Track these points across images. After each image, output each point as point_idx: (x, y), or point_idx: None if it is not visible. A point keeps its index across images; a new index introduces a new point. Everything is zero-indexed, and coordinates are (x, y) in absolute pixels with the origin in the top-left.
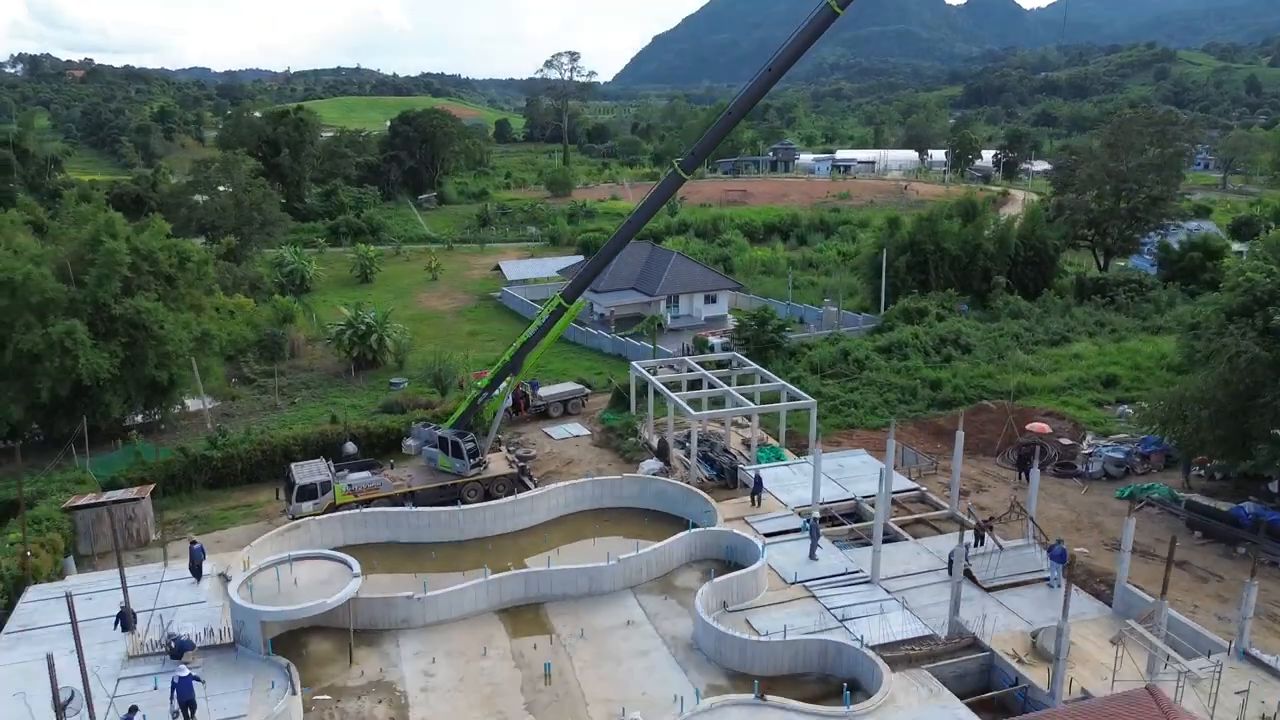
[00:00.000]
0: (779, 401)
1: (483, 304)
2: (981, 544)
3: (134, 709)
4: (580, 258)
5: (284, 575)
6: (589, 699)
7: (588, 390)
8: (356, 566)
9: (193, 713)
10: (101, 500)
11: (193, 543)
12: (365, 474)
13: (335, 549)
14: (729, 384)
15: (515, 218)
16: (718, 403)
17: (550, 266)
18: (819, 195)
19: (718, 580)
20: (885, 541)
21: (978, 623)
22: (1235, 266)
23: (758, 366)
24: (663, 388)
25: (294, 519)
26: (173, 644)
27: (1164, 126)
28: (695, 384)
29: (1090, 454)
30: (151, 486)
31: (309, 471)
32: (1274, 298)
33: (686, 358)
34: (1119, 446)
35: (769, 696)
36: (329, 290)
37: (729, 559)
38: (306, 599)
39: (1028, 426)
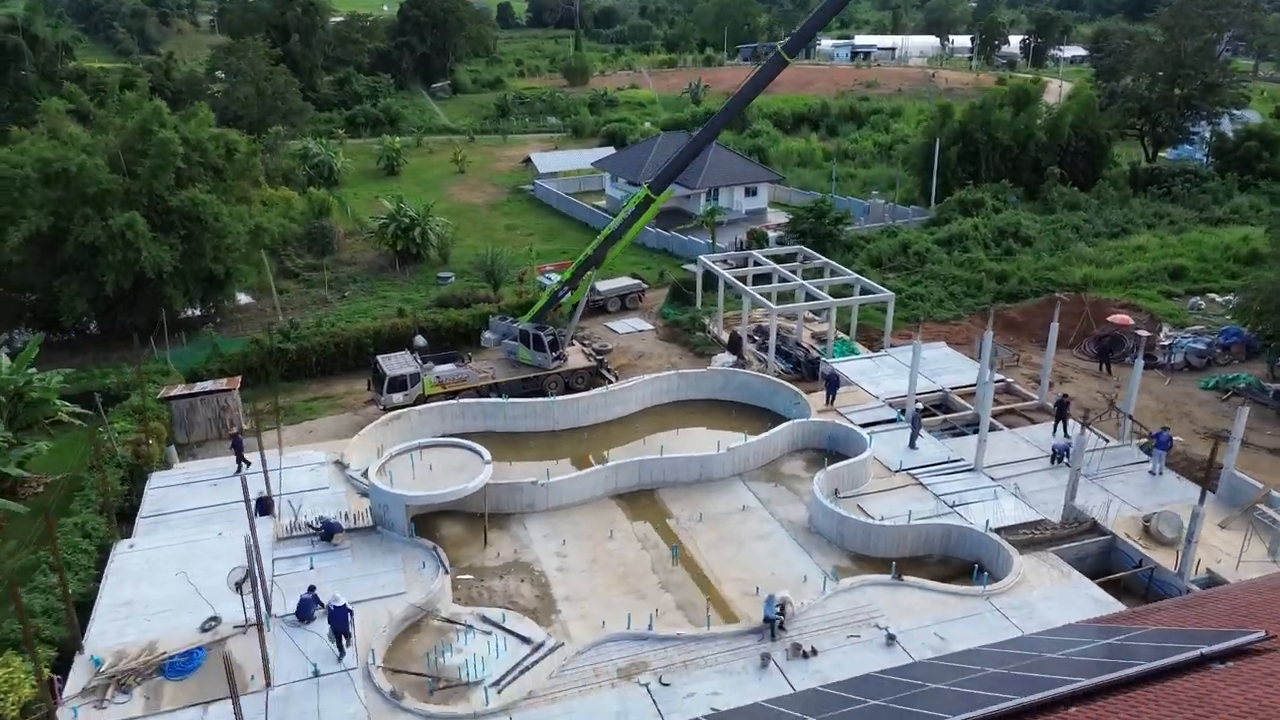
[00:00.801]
0: (851, 295)
1: (515, 197)
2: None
3: (313, 588)
4: (610, 149)
5: (417, 462)
6: (719, 579)
7: (644, 285)
8: (487, 454)
9: (347, 643)
10: (195, 391)
11: (235, 434)
12: (450, 366)
13: (440, 436)
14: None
15: (534, 107)
16: (787, 296)
17: (583, 159)
18: (844, 83)
19: (831, 468)
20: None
21: (1089, 508)
22: None
23: (827, 259)
24: (735, 281)
25: (385, 410)
26: (322, 526)
27: (1226, 9)
28: (761, 278)
29: (1169, 345)
30: (239, 379)
31: (398, 363)
32: None
33: (753, 251)
34: (1199, 337)
35: (905, 576)
36: (356, 183)
37: (830, 449)
38: (445, 484)
39: (1109, 318)
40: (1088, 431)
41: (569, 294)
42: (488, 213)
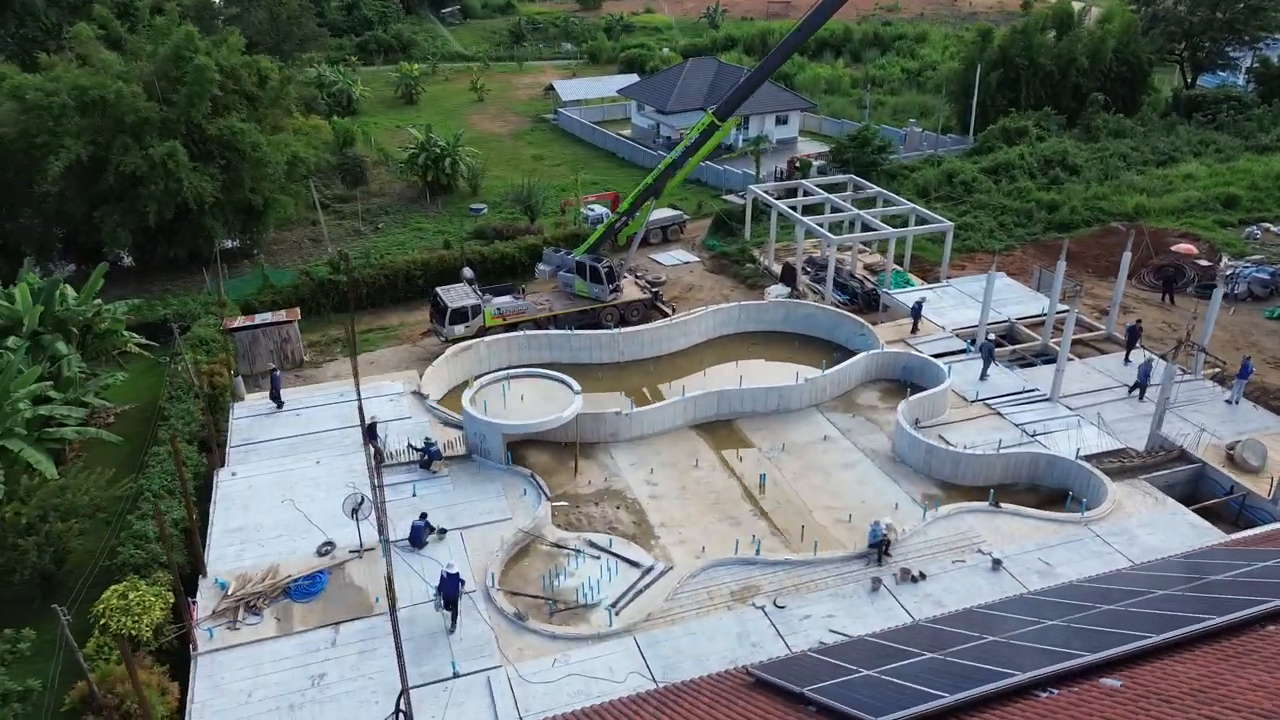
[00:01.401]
0: (907, 225)
1: (538, 126)
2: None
3: (424, 515)
4: (631, 77)
5: (508, 391)
6: (810, 506)
7: (685, 216)
8: (576, 384)
9: (455, 613)
10: (257, 323)
11: (273, 370)
12: (508, 298)
13: (504, 368)
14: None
15: (548, 33)
16: (839, 227)
17: (606, 86)
18: (865, 7)
19: (913, 398)
20: (1051, 361)
21: (1172, 437)
22: None
23: (880, 189)
24: (789, 211)
25: (446, 341)
26: (424, 452)
27: None
28: (811, 209)
29: (1231, 275)
30: (297, 310)
31: (458, 295)
32: None
33: (803, 181)
34: (1263, 267)
35: (1002, 504)
36: (375, 112)
37: (904, 379)
38: (540, 413)
39: (1173, 247)
40: (1174, 361)
41: (626, 225)
42: (512, 142)
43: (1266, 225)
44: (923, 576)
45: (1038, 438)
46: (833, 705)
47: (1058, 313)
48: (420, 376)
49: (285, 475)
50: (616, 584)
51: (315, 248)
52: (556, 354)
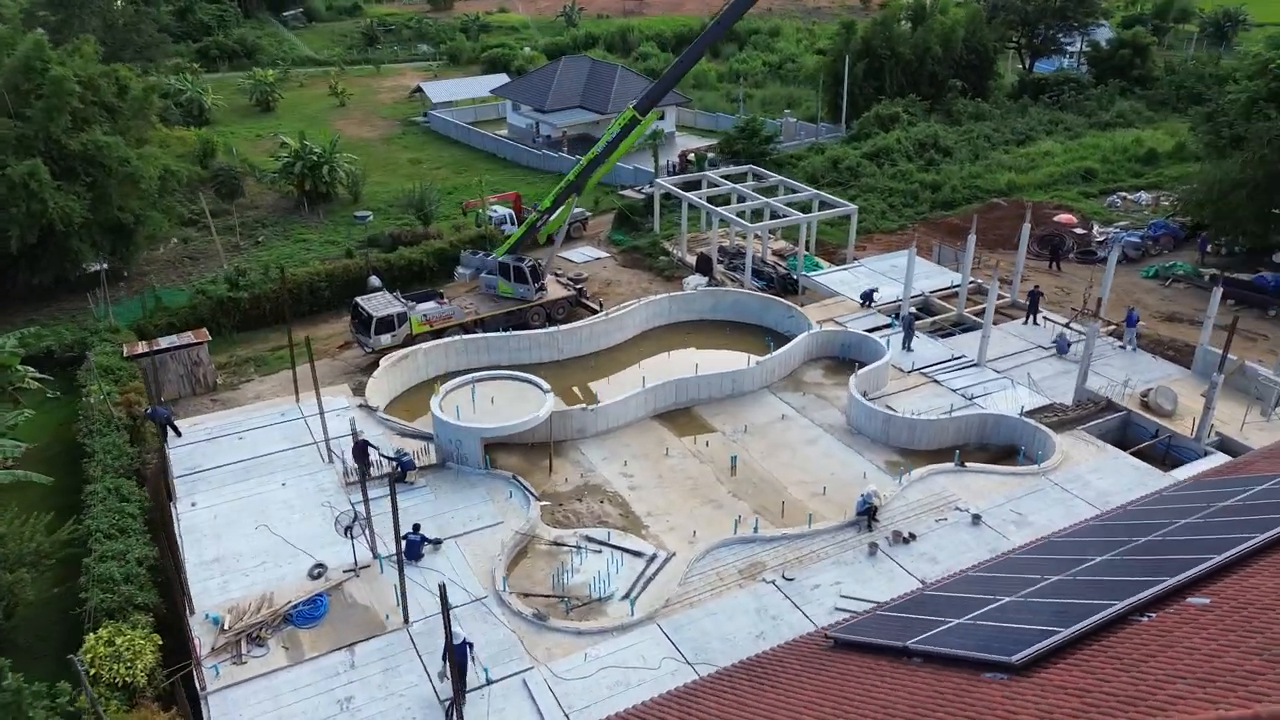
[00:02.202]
0: (810, 210)
1: (409, 130)
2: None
3: (417, 526)
4: (505, 77)
5: (477, 396)
6: (784, 483)
7: (587, 213)
8: (545, 383)
9: (463, 678)
10: (164, 347)
11: (150, 410)
12: (431, 304)
13: (447, 374)
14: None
15: (402, 35)
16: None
17: (476, 87)
18: (715, 4)
19: (861, 372)
20: (968, 330)
21: (1078, 391)
22: (1261, 55)
23: (782, 178)
24: (700, 202)
25: (372, 352)
26: (396, 465)
27: None
28: (717, 200)
29: (1104, 240)
30: (204, 331)
31: (381, 304)
32: None
33: (709, 172)
34: (1134, 232)
35: (967, 463)
36: (229, 121)
37: (844, 355)
38: (516, 415)
39: (1056, 218)
40: (1096, 321)
41: (547, 223)
42: (385, 147)
43: (1124, 194)
44: (913, 537)
45: (976, 400)
46: (949, 653)
47: (955, 286)
48: (355, 390)
49: (251, 500)
50: (624, 575)
51: (194, 266)
52: (495, 356)
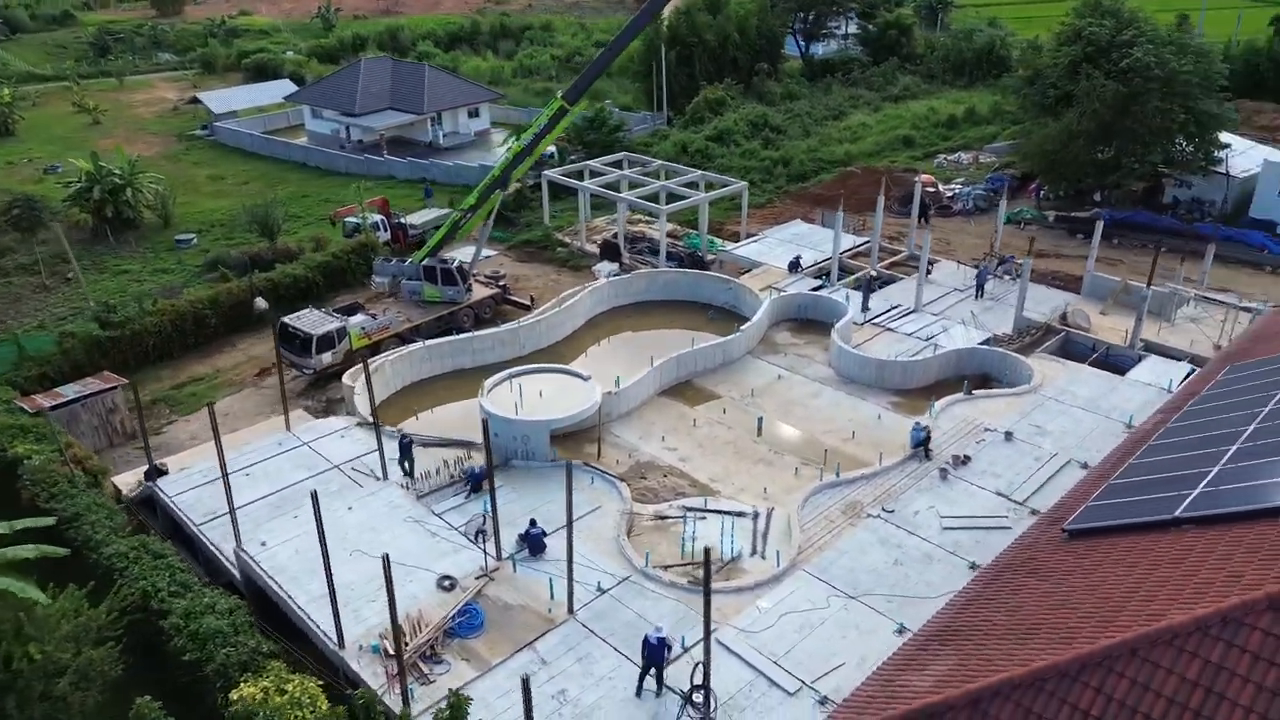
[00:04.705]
0: (697, 189)
1: (193, 144)
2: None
3: (534, 521)
4: (290, 85)
5: (525, 392)
6: (813, 433)
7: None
8: (584, 371)
9: (660, 677)
10: (73, 397)
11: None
12: (361, 317)
13: (413, 384)
14: (628, 185)
15: (134, 42)
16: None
17: (261, 94)
18: (474, 2)
19: (838, 326)
20: (890, 283)
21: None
22: (1072, 25)
23: (664, 162)
24: (602, 190)
25: (313, 373)
26: (468, 478)
27: None
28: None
29: (954, 196)
30: (110, 375)
31: (314, 322)
32: (1113, 45)
33: (589, 162)
34: (976, 186)
35: (974, 391)
36: None
37: (800, 316)
38: (574, 404)
39: (917, 179)
40: (1026, 260)
41: (468, 220)
42: (171, 164)
43: (945, 156)
44: (968, 459)
45: (929, 341)
46: (1226, 512)
47: (856, 246)
48: (317, 413)
49: (331, 528)
50: (740, 534)
51: (14, 307)
52: (459, 359)
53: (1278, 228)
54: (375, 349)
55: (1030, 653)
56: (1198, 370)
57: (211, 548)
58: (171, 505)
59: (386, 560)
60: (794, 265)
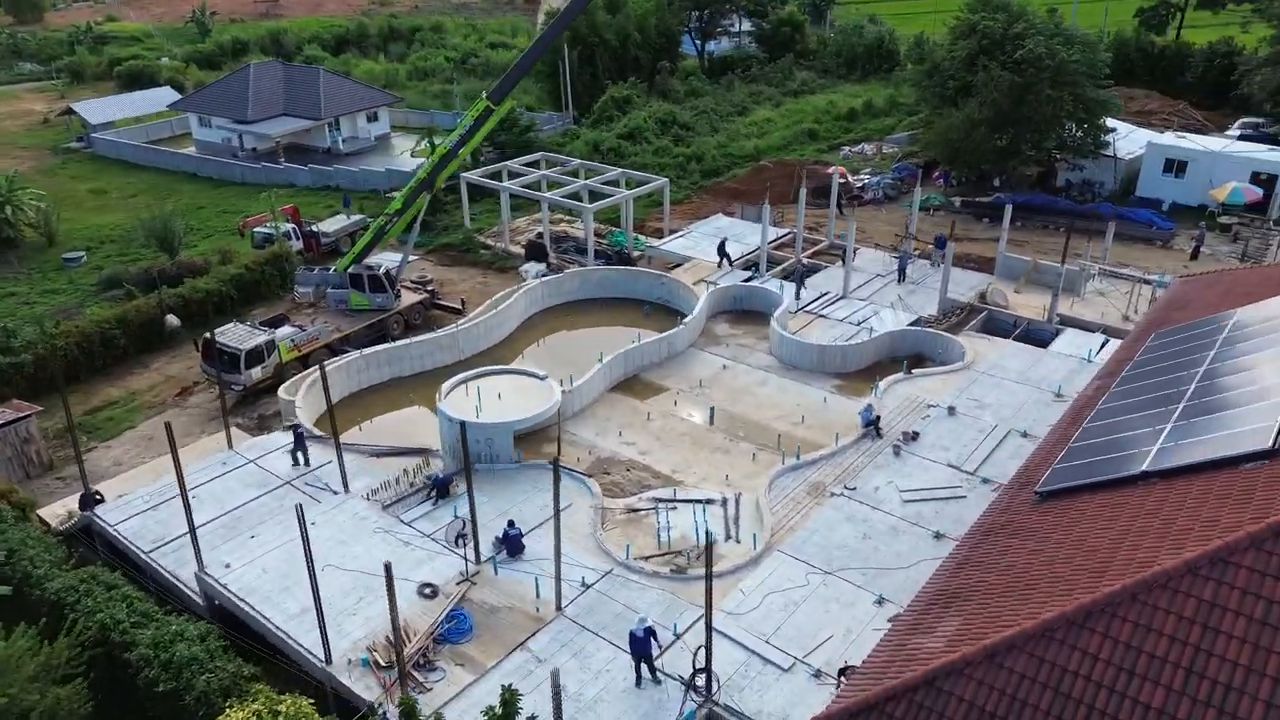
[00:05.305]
0: (618, 187)
1: (69, 158)
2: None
3: (511, 522)
4: (172, 92)
5: (484, 394)
6: (764, 420)
7: (368, 219)
8: (540, 370)
9: (651, 667)
10: None
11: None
12: (288, 329)
13: (351, 394)
14: (547, 185)
15: None
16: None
17: (141, 104)
18: (358, 3)
19: (776, 314)
20: (816, 272)
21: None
22: (966, 20)
23: (582, 161)
24: (524, 191)
25: (243, 389)
26: (434, 484)
27: None
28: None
29: (864, 186)
30: (16, 402)
31: (240, 336)
32: (1006, 37)
33: (507, 163)
34: (885, 176)
35: (912, 370)
36: None
37: (736, 307)
38: (536, 405)
39: (828, 171)
40: (950, 243)
41: (394, 224)
42: (47, 179)
43: (849, 148)
44: (917, 435)
45: (861, 325)
46: (1191, 463)
47: (780, 237)
48: (258, 429)
49: (288, 548)
50: (712, 521)
51: None
52: (398, 367)
53: (1163, 205)
54: (305, 361)
55: (1033, 607)
56: (1111, 340)
57: (167, 574)
58: (115, 534)
59: (388, 568)
60: (721, 249)
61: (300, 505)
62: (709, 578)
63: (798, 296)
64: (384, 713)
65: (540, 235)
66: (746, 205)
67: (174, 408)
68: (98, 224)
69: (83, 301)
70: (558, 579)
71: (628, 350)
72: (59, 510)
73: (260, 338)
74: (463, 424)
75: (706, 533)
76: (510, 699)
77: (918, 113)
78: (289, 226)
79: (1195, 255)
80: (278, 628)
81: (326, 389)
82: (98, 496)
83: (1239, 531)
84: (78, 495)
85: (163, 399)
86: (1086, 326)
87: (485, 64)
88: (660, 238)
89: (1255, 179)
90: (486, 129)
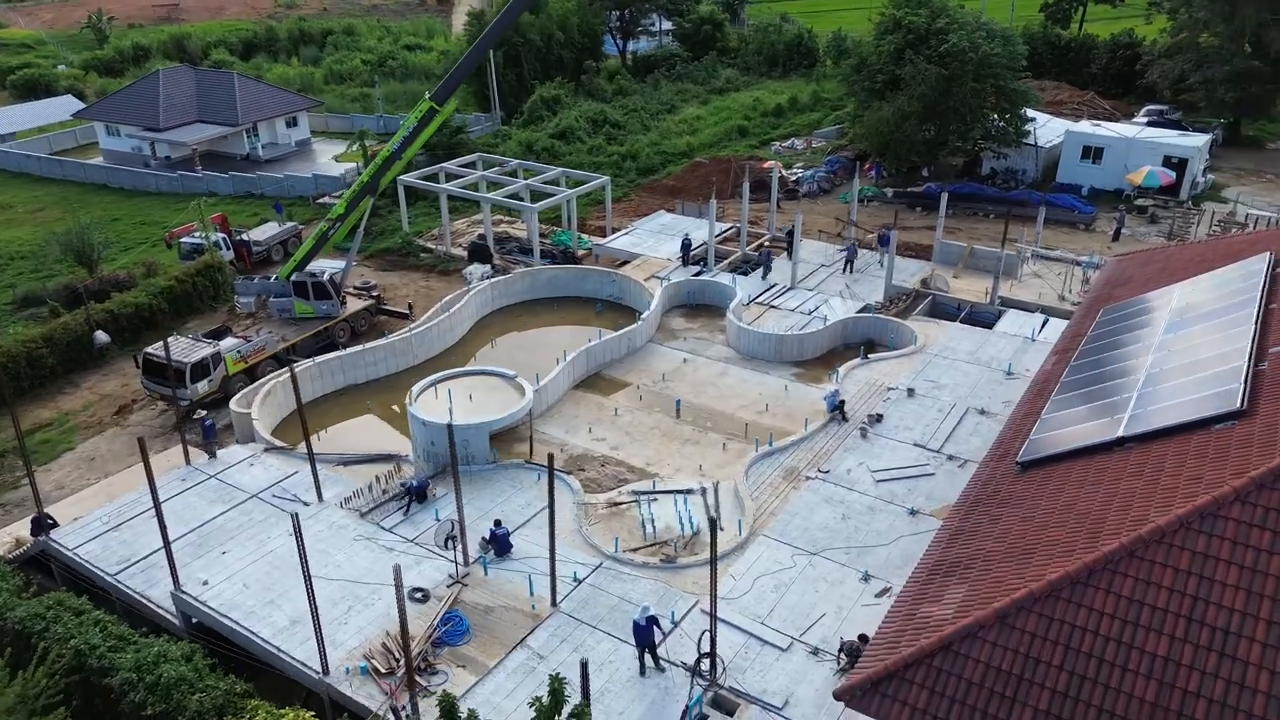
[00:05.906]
0: (559, 187)
1: None
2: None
3: (498, 522)
4: (74, 101)
5: (455, 396)
6: (730, 411)
7: (300, 226)
8: (509, 370)
9: (654, 655)
10: None
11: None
12: (232, 340)
13: (307, 403)
14: (486, 185)
15: None
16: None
17: (41, 113)
18: (262, 7)
19: (731, 307)
20: (759, 265)
21: (885, 290)
22: (891, 15)
23: (520, 161)
24: (464, 192)
25: (189, 404)
26: (412, 489)
27: None
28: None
29: (799, 179)
30: None
31: (183, 350)
32: (930, 32)
33: (446, 164)
34: (818, 169)
35: (869, 355)
36: None
37: (690, 301)
38: (510, 404)
39: (762, 166)
40: (892, 231)
41: (337, 229)
42: None
43: (779, 143)
44: (881, 417)
45: (813, 313)
46: (1163, 427)
47: (724, 231)
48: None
49: (269, 560)
50: (695, 511)
51: None
52: (352, 375)
53: (1083, 190)
54: (251, 373)
55: (1035, 570)
56: (1051, 319)
57: (136, 595)
58: (75, 558)
59: (397, 570)
60: (685, 246)
61: (296, 514)
62: (714, 561)
63: (764, 277)
64: (397, 712)
65: (482, 237)
66: (686, 202)
67: (114, 426)
68: (4, 239)
69: (54, 312)
70: (552, 575)
71: (589, 348)
72: (4, 538)
73: (204, 350)
74: (449, 426)
75: (709, 516)
76: (558, 688)
77: (842, 107)
78: (219, 236)
79: (1117, 237)
80: (267, 642)
81: (298, 394)
82: (50, 521)
83: (1224, 486)
84: (28, 520)
85: (99, 418)
86: (1026, 307)
87: (404, 66)
88: (603, 236)
89: (1167, 162)
90: (430, 130)
